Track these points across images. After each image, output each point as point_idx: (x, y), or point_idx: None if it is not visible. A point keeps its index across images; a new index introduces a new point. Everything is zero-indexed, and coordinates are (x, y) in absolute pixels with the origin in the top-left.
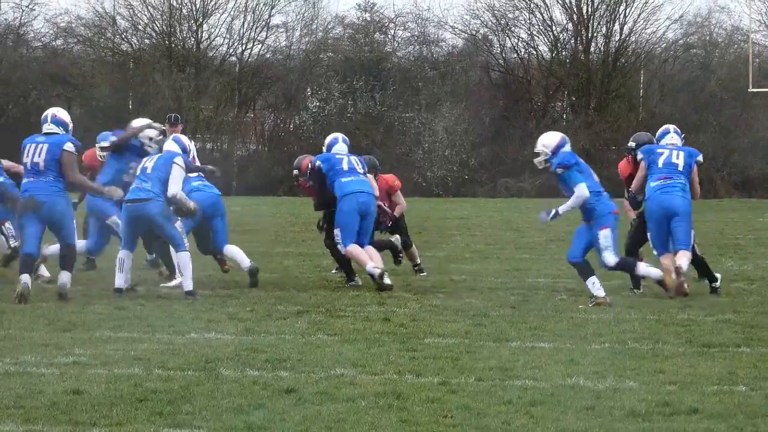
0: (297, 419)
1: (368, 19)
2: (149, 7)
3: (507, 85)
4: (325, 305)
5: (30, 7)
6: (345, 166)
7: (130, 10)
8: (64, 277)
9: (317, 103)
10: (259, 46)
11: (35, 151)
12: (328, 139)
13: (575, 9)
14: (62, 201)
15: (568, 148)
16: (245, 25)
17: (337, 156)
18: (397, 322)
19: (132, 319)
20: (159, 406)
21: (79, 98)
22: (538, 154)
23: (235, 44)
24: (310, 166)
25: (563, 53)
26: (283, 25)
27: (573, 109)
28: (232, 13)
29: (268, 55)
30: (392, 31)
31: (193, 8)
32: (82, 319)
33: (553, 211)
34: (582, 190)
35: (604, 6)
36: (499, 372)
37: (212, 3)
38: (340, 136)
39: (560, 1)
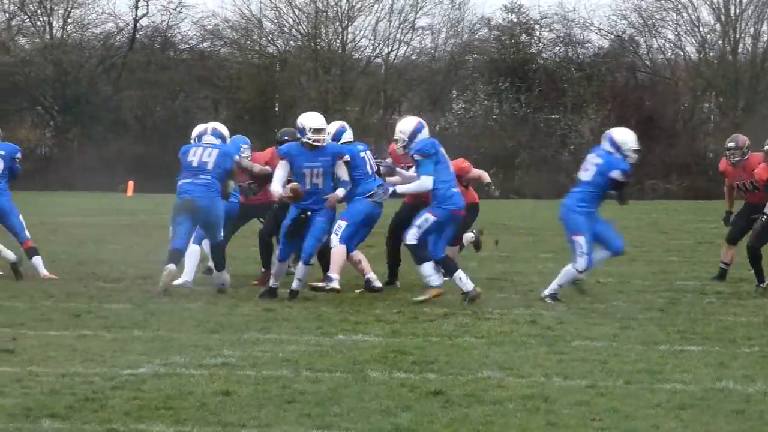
0: (444, 421)
1: (514, 20)
2: (295, 10)
3: (653, 86)
4: (471, 307)
5: (177, 10)
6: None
7: (276, 13)
8: (225, 276)
9: (462, 105)
10: (405, 47)
11: (203, 153)
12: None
13: (722, 9)
14: (219, 204)
15: (425, 133)
16: (391, 27)
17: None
18: (544, 324)
19: (280, 321)
20: (307, 407)
21: (225, 100)
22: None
23: (381, 46)
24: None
25: (710, 54)
26: (429, 26)
27: (720, 111)
28: (377, 15)
29: (414, 57)
30: (538, 33)
31: (339, 10)
32: (230, 321)
33: (391, 188)
34: (426, 183)
35: (752, 6)
36: (647, 375)
37: (358, 5)
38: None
39: (708, 2)
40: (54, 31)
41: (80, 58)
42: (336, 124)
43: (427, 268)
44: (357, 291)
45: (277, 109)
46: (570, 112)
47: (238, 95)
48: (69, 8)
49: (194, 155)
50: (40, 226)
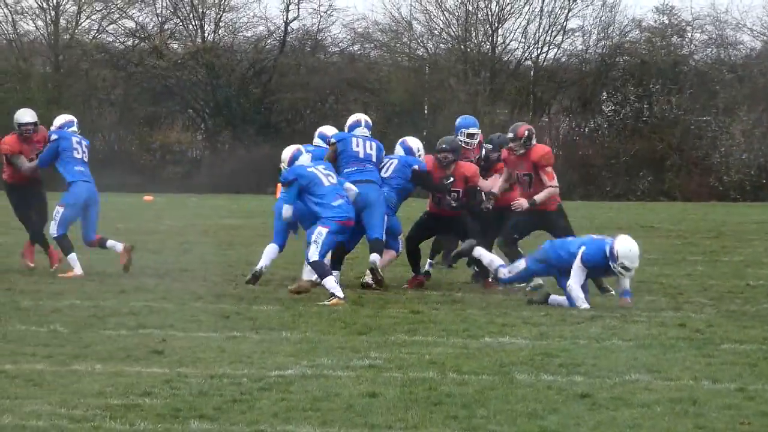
0: (591, 424)
1: (666, 22)
2: (445, 12)
3: None
4: (619, 310)
5: (328, 13)
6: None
7: (426, 15)
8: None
9: (612, 107)
10: (555, 49)
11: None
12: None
13: None
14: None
15: (302, 160)
16: (541, 29)
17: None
18: (692, 327)
19: (427, 323)
20: (454, 409)
21: (375, 103)
22: None
23: (531, 48)
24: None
25: None
26: (580, 28)
27: None
28: (527, 17)
29: (564, 59)
30: (689, 34)
31: (489, 13)
32: (377, 323)
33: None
34: (285, 212)
35: None
36: None
37: (508, 7)
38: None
39: None
40: (206, 34)
41: (231, 62)
42: (291, 149)
43: (330, 282)
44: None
45: (426, 111)
46: (721, 114)
47: (388, 98)
48: (221, 12)
49: (358, 146)
50: (191, 227)
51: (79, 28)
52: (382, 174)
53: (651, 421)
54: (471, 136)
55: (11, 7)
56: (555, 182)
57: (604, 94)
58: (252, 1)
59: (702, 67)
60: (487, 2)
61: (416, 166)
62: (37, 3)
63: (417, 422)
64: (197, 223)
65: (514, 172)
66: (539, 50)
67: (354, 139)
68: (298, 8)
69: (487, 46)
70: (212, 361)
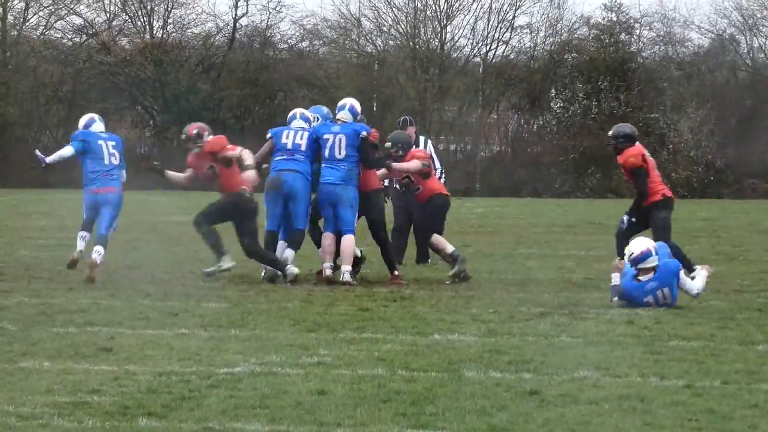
0: (540, 421)
1: (614, 19)
2: (394, 9)
3: (754, 85)
4: (568, 307)
5: (277, 9)
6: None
7: (375, 12)
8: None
9: (561, 104)
10: (503, 46)
11: (295, 136)
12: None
13: None
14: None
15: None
16: (489, 26)
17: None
18: (640, 324)
19: (376, 320)
20: (403, 407)
21: (324, 99)
22: None
23: (479, 45)
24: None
25: None
26: (528, 25)
27: None
28: (476, 14)
29: (512, 56)
30: (638, 31)
31: (438, 10)
32: (326, 320)
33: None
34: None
35: None
36: (745, 375)
37: (457, 4)
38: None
39: None
40: (154, 31)
41: (180, 58)
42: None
43: None
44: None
45: (375, 108)
46: (669, 111)
47: (337, 94)
48: (169, 8)
49: (287, 138)
50: (137, 224)
51: (27, 24)
52: (337, 156)
53: (599, 417)
54: None
55: None
56: None
57: (553, 91)
58: None
59: (650, 65)
60: None
61: (364, 133)
62: None
63: (366, 419)
64: (145, 220)
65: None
66: (488, 47)
67: (285, 132)
68: (247, 4)
69: (436, 43)
70: (161, 359)
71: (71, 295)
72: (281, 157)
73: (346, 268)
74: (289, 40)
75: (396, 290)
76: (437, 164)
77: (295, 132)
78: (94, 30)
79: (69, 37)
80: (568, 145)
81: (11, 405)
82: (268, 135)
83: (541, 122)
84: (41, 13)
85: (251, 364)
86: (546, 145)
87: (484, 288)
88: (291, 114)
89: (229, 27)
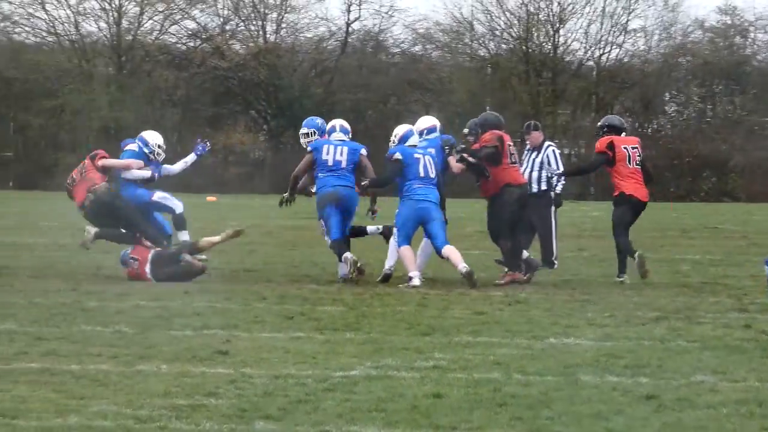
0: (657, 426)
1: (729, 22)
2: (507, 13)
3: None
4: (684, 311)
5: (389, 14)
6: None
7: (488, 16)
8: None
9: (675, 108)
10: (617, 50)
11: (335, 152)
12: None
13: None
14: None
15: (412, 140)
16: (602, 29)
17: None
18: (758, 328)
19: (491, 324)
20: (518, 411)
21: (437, 103)
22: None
23: (592, 48)
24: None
25: None
26: (642, 29)
27: None
28: (589, 17)
29: (626, 59)
30: (752, 34)
31: (550, 13)
32: (441, 324)
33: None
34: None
35: None
36: None
37: (570, 8)
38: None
39: None
40: (267, 35)
41: (293, 62)
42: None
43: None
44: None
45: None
46: None
47: (449, 98)
48: (282, 13)
49: (327, 154)
50: (255, 228)
51: (142, 29)
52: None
53: (717, 422)
54: None
55: (74, 8)
56: None
57: (667, 94)
58: (314, 2)
59: (765, 68)
60: (548, 3)
61: (363, 150)
62: (99, 4)
63: (482, 423)
64: (261, 224)
65: None
66: (601, 50)
67: (324, 147)
68: (360, 9)
69: (549, 47)
70: (277, 362)
71: (187, 299)
72: (328, 174)
73: (415, 273)
74: (401, 44)
75: (511, 294)
76: (559, 168)
77: (335, 147)
78: (207, 34)
79: (183, 41)
80: (683, 149)
81: (129, 408)
82: (309, 149)
83: (655, 126)
84: (156, 18)
85: (367, 367)
86: (660, 148)
87: (600, 292)
88: (330, 126)
89: (341, 31)
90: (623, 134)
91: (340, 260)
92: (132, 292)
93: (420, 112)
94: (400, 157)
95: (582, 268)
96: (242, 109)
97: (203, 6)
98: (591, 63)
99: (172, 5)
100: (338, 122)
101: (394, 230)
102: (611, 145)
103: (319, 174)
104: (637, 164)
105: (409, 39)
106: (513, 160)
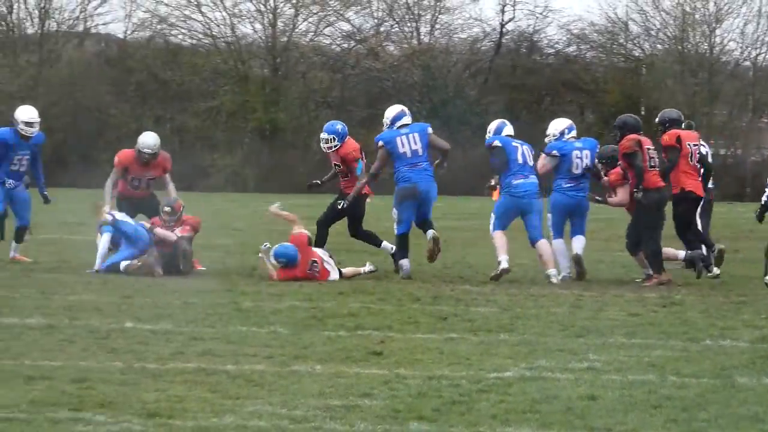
0: None
1: None
2: (662, 13)
3: None
4: None
5: (544, 14)
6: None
7: (643, 16)
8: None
9: None
10: None
11: (409, 142)
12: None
13: None
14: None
15: (507, 130)
16: (759, 30)
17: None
18: None
19: (645, 326)
20: (674, 413)
21: (591, 104)
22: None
23: (749, 48)
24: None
25: None
26: None
27: None
28: (745, 17)
29: None
30: None
31: (706, 13)
32: (595, 325)
33: None
34: None
35: None
36: None
37: (726, 8)
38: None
39: None
40: (421, 36)
41: (447, 63)
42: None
43: None
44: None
45: (642, 112)
46: None
47: (604, 99)
48: (436, 14)
49: (403, 146)
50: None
51: (296, 30)
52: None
53: None
54: None
55: (230, 10)
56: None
57: None
58: (468, 3)
59: None
60: (704, 2)
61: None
62: (255, 6)
63: (636, 425)
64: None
65: None
66: (758, 50)
67: (398, 139)
68: (514, 9)
69: (705, 47)
70: (431, 363)
71: (341, 299)
72: (408, 167)
73: (552, 271)
74: (555, 45)
75: (666, 295)
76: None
77: (407, 137)
78: (362, 36)
79: (337, 43)
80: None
81: (284, 408)
82: (380, 143)
83: None
84: (311, 20)
85: (521, 368)
86: None
87: (756, 293)
88: (397, 113)
89: (495, 32)
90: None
91: (399, 257)
92: (287, 292)
93: (575, 113)
94: (499, 144)
95: (737, 269)
96: None
97: (358, 8)
98: (747, 63)
99: (326, 7)
100: (398, 108)
101: (492, 218)
102: (679, 140)
103: (400, 167)
104: (697, 161)
105: (563, 39)
106: (652, 164)
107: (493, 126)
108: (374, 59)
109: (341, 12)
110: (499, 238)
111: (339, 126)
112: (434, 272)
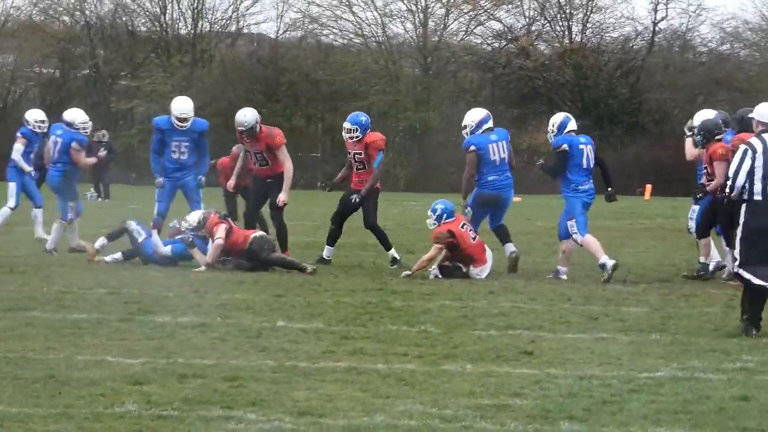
0: None
1: None
2: None
3: None
4: None
5: (696, 12)
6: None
7: None
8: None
9: None
10: None
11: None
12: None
13: None
14: None
15: (571, 125)
16: None
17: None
18: None
19: None
20: None
21: (745, 103)
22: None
23: None
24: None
25: None
26: None
27: None
28: None
29: None
30: None
31: None
32: None
33: None
34: None
35: None
36: None
37: None
38: None
39: None
40: (573, 35)
41: (599, 62)
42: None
43: None
44: None
45: None
46: None
47: (757, 97)
48: (588, 13)
49: (495, 154)
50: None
51: (447, 30)
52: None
53: None
54: None
55: (381, 10)
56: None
57: None
58: (620, 2)
59: None
60: None
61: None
62: (406, 6)
63: None
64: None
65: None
66: None
67: (489, 147)
68: (666, 8)
69: None
70: (581, 363)
71: (492, 299)
72: (495, 176)
73: (605, 257)
74: (708, 43)
75: None
76: None
77: (497, 144)
78: (513, 35)
79: (488, 42)
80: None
81: (434, 407)
82: (472, 147)
83: None
84: (461, 19)
85: (673, 368)
86: None
87: None
88: (482, 117)
89: (648, 31)
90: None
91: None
92: (437, 292)
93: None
94: (566, 148)
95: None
96: (547, 110)
97: (509, 7)
98: None
99: (477, 6)
100: (483, 111)
101: (572, 224)
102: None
103: (487, 173)
104: None
105: (716, 38)
106: None
107: (557, 120)
108: (525, 58)
109: (492, 11)
110: (592, 241)
111: (363, 118)
112: (585, 272)
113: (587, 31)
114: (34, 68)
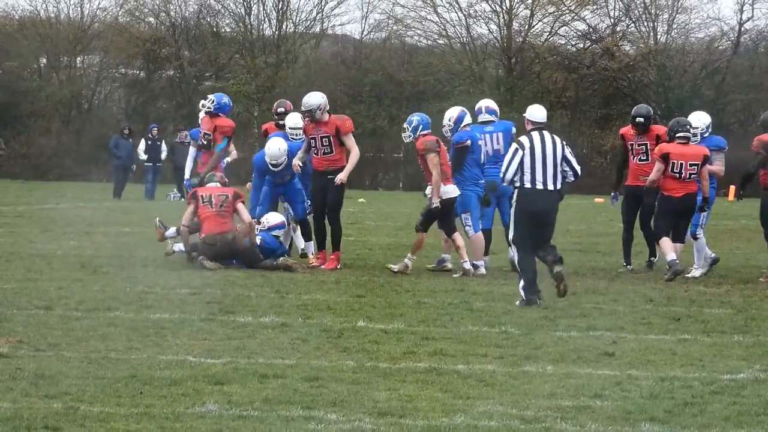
0: None
1: None
2: None
3: None
4: None
5: None
6: None
7: None
8: None
9: None
10: None
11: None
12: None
13: None
14: None
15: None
16: None
17: None
18: None
19: None
20: None
21: None
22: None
23: None
24: None
25: None
26: None
27: None
28: None
29: None
30: None
31: None
32: None
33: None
34: None
35: None
36: None
37: None
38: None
39: None
40: (658, 36)
41: (683, 63)
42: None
43: None
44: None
45: None
46: None
47: None
48: (674, 13)
49: (486, 146)
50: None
51: (532, 31)
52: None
53: None
54: None
55: (465, 11)
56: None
57: None
58: (705, 2)
59: None
60: None
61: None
62: (490, 6)
63: None
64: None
65: None
66: None
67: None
68: (752, 8)
69: None
70: (663, 364)
71: (573, 300)
72: (490, 166)
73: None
74: None
75: None
76: None
77: (491, 136)
78: (597, 35)
79: (572, 42)
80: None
81: (515, 408)
82: (467, 141)
83: None
84: (546, 20)
85: (755, 370)
86: None
87: None
88: (458, 115)
89: (733, 31)
90: None
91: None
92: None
93: None
94: (469, 144)
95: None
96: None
97: (593, 7)
98: None
99: (561, 7)
100: (458, 109)
101: (466, 217)
102: None
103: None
104: None
105: None
106: None
107: (454, 114)
108: (610, 59)
109: (577, 12)
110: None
111: (416, 119)
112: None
113: (672, 31)
114: (119, 69)
